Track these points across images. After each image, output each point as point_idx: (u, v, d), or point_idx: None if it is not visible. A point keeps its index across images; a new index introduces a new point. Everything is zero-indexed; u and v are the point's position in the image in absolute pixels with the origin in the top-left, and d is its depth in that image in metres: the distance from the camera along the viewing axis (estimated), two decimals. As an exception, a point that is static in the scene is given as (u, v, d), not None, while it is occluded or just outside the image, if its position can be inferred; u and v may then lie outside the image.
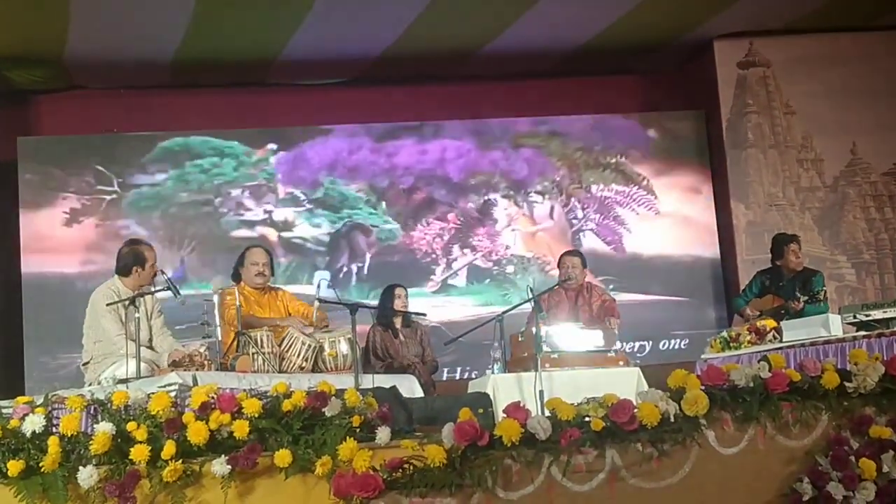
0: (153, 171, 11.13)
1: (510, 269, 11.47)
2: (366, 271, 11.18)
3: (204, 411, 4.29)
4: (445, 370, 10.64)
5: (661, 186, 11.71)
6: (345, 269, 11.25)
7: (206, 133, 11.25)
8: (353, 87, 11.61)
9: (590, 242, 11.56)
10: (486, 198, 11.59)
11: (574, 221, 11.62)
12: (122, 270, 7.15)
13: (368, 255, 11.31)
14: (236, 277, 7.91)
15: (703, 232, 11.61)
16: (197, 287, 10.52)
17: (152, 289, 7.22)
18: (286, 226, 11.21)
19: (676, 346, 11.27)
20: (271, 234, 11.20)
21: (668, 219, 11.65)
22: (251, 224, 11.12)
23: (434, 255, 11.41)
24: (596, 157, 11.75)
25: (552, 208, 11.66)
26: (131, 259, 7.14)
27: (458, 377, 10.57)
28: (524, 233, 11.60)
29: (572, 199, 11.67)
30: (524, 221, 11.61)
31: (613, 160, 11.73)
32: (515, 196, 11.62)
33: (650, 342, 11.19)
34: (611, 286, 11.06)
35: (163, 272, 7.21)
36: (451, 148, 11.59)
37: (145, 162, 11.11)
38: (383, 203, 11.43)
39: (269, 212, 11.21)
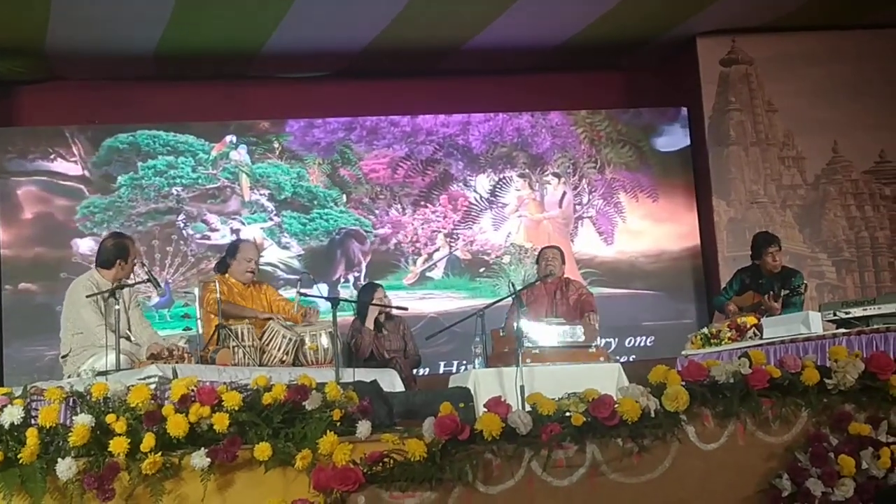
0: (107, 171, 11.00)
1: (507, 259, 11.46)
2: (363, 280, 10.95)
3: (184, 404, 4.28)
4: (442, 363, 10.69)
5: (665, 191, 11.77)
6: (342, 279, 11.19)
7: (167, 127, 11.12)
8: (336, 81, 11.59)
9: (584, 233, 11.58)
10: (501, 175, 11.57)
11: (577, 208, 11.63)
12: (105, 263, 7.12)
13: (364, 263, 11.24)
14: (223, 267, 7.90)
15: (684, 229, 11.64)
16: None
17: (131, 281, 7.21)
18: (257, 251, 10.83)
19: (642, 343, 11.31)
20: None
21: (649, 215, 11.67)
22: (219, 248, 10.46)
23: (417, 246, 11.38)
24: (620, 131, 11.81)
25: (563, 195, 11.64)
26: (115, 252, 7.12)
27: (454, 370, 10.51)
28: (530, 220, 11.58)
29: (583, 182, 11.66)
30: (533, 207, 11.59)
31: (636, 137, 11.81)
32: (531, 176, 11.59)
33: (616, 338, 11.21)
34: (590, 280, 11.09)
35: (143, 264, 7.19)
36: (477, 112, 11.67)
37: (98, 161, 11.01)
38: (344, 197, 11.33)
39: (237, 230, 11.00)
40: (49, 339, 9.74)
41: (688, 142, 11.78)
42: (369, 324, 8.60)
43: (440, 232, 11.39)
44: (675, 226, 11.66)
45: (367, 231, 11.26)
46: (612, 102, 12.00)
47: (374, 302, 8.66)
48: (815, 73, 11.40)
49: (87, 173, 10.95)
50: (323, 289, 10.64)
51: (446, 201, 11.46)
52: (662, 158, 11.78)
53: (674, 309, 11.46)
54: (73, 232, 10.84)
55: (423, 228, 11.37)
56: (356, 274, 11.17)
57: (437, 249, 11.37)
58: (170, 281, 10.76)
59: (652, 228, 11.66)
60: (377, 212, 11.33)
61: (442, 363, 10.70)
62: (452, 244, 11.39)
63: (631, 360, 10.89)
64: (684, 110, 11.84)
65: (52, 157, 10.94)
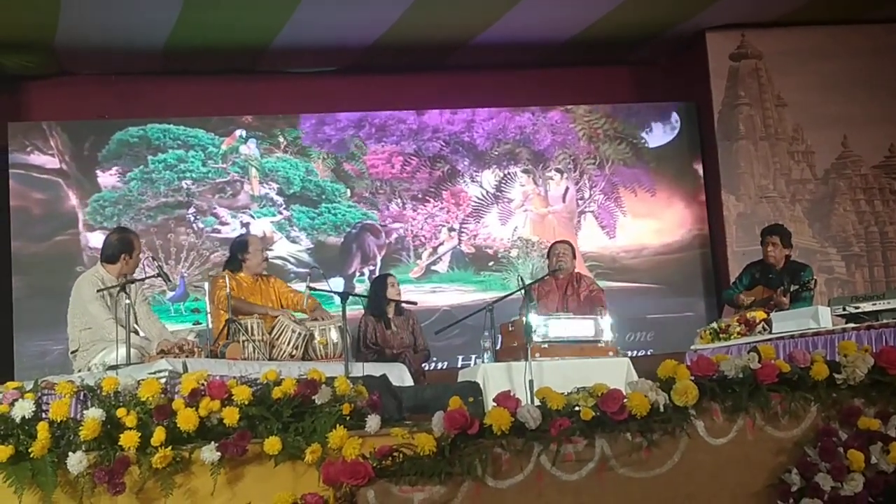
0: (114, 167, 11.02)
1: (514, 252, 11.49)
2: (378, 273, 10.92)
3: (194, 398, 4.30)
4: (460, 357, 10.69)
5: (652, 187, 11.76)
6: (357, 273, 11.22)
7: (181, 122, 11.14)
8: (345, 76, 11.59)
9: (587, 227, 11.60)
10: (506, 171, 11.61)
11: (580, 202, 11.65)
12: (110, 258, 7.14)
13: (380, 257, 11.28)
14: (236, 265, 7.92)
15: (694, 223, 11.63)
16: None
17: (139, 276, 7.23)
18: (265, 243, 10.63)
19: (641, 338, 11.29)
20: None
21: (658, 210, 11.66)
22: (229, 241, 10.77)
23: (422, 240, 11.41)
24: (616, 128, 11.81)
25: (566, 190, 11.67)
26: (119, 247, 7.14)
27: (472, 363, 10.51)
28: (535, 214, 11.60)
29: (584, 177, 11.68)
30: (538, 202, 11.63)
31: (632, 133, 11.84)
32: (535, 171, 11.62)
33: (616, 333, 11.08)
34: (594, 273, 11.09)
35: (153, 258, 7.22)
36: (481, 110, 11.68)
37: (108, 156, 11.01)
38: (348, 191, 11.35)
39: (247, 224, 11.04)
40: (56, 334, 9.79)
41: (697, 137, 11.75)
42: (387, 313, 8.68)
43: (444, 226, 11.41)
44: (685, 221, 11.65)
45: (382, 226, 11.30)
46: (621, 97, 11.99)
47: (387, 292, 8.71)
48: (824, 67, 11.37)
49: (64, 167, 10.97)
50: (337, 282, 10.67)
51: (449, 196, 11.47)
52: (658, 153, 11.76)
53: (676, 303, 11.45)
54: (72, 223, 10.88)
55: (427, 223, 11.38)
56: (371, 268, 11.19)
57: (441, 244, 11.39)
58: (185, 275, 10.79)
59: (652, 223, 11.65)
60: (379, 206, 11.35)
61: (460, 357, 10.70)
62: (457, 238, 11.41)
63: (648, 353, 10.88)
64: (694, 105, 11.81)
65: (28, 150, 10.92)
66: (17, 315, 10.51)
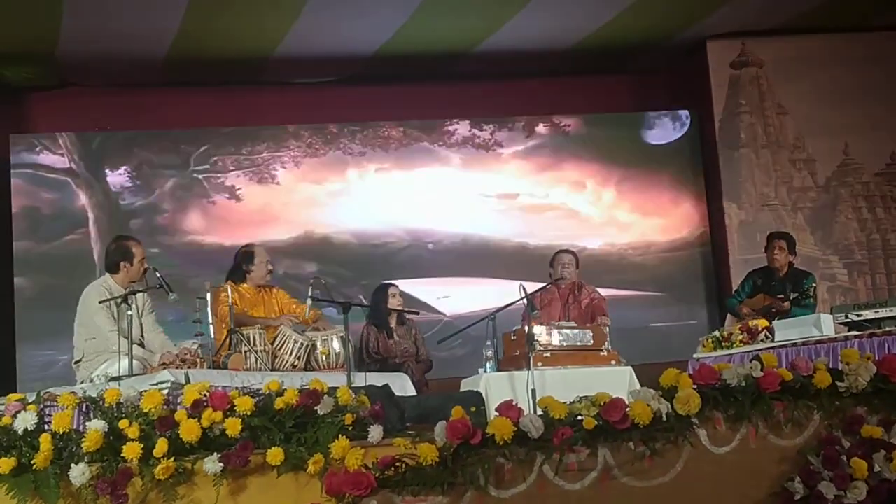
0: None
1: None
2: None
3: (196, 409, 4.29)
4: (462, 367, 10.64)
5: (653, 185, 11.74)
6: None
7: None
8: (347, 86, 11.60)
9: (582, 230, 11.54)
10: None
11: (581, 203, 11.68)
12: (111, 267, 7.15)
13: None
14: (240, 276, 7.90)
15: (695, 231, 11.63)
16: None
17: (144, 287, 7.22)
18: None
19: (644, 347, 11.23)
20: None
21: (658, 218, 11.66)
22: (217, 255, 10.80)
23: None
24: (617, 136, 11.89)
25: None
26: (118, 255, 7.14)
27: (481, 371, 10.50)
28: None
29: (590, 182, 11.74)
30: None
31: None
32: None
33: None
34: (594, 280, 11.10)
35: (155, 269, 7.19)
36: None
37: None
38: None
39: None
40: (60, 345, 9.79)
41: (698, 145, 11.76)
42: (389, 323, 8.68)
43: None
44: (686, 229, 11.65)
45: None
46: (622, 106, 12.01)
47: (388, 303, 8.70)
48: (825, 75, 11.38)
49: (73, 166, 11.00)
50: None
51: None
52: (659, 161, 11.76)
53: (678, 311, 11.44)
54: (82, 223, 10.98)
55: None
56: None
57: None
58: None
59: (653, 231, 11.66)
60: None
61: (462, 366, 10.69)
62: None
63: (650, 362, 10.83)
64: (695, 113, 11.81)
65: (37, 149, 10.97)
66: (19, 326, 10.52)
